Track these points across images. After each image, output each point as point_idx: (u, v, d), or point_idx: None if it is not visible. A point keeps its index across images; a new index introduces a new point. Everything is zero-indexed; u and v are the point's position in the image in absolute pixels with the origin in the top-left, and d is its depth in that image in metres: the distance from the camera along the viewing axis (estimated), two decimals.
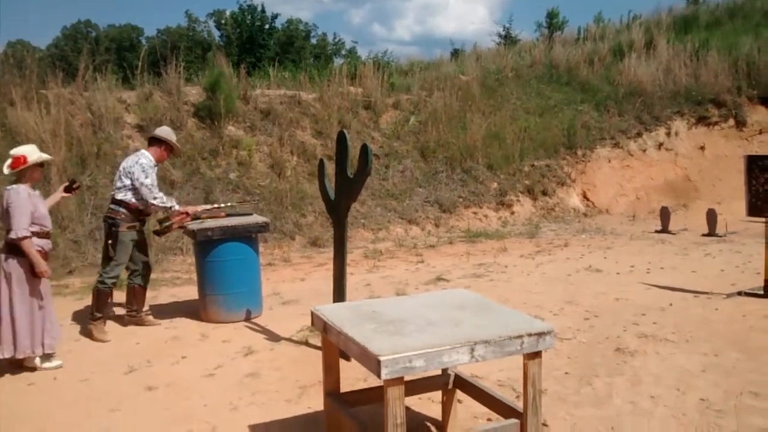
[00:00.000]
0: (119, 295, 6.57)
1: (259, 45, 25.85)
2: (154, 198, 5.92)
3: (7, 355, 4.92)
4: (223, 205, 7.19)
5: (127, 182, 5.92)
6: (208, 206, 6.83)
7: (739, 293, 6.65)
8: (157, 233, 6.43)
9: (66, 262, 8.57)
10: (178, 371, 5.03)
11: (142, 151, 6.17)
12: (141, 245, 6.17)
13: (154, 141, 6.21)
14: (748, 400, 4.13)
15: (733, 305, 6.31)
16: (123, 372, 5.02)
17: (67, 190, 5.54)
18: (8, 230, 4.90)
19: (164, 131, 6.27)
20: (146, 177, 5.89)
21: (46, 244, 5.11)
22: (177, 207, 6.15)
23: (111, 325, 6.21)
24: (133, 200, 5.93)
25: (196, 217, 6.35)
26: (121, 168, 6.04)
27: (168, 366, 5.15)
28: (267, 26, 26.74)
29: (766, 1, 19.58)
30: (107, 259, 5.99)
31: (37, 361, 5.08)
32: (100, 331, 5.91)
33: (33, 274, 4.92)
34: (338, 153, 5.06)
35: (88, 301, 6.98)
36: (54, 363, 5.13)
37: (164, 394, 4.57)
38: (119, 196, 5.96)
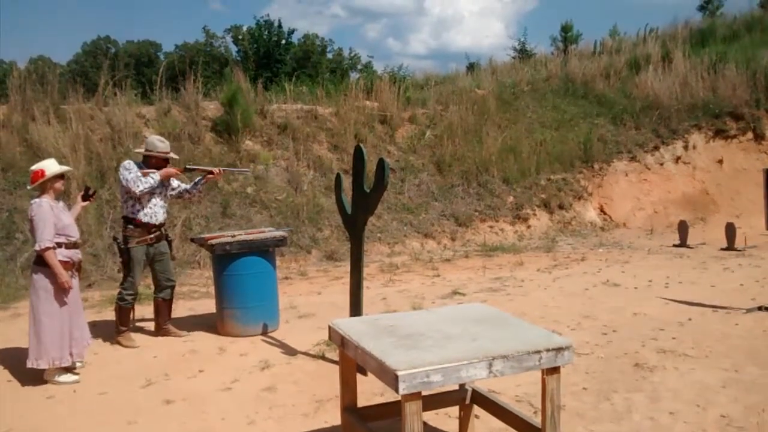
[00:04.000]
0: (140, 309, 6.62)
1: (276, 60, 26.02)
2: (138, 187, 5.84)
3: (43, 365, 5.00)
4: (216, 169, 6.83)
5: (125, 195, 6.00)
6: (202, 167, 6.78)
7: (760, 308, 6.57)
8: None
9: (85, 276, 8.62)
10: (195, 385, 5.05)
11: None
12: (161, 259, 6.22)
13: (144, 158, 6.17)
14: None
15: (753, 320, 6.24)
16: (141, 385, 5.05)
17: (84, 198, 5.63)
18: (33, 243, 5.00)
19: (148, 144, 6.17)
20: (129, 173, 5.86)
21: (74, 254, 5.18)
22: (158, 176, 6.00)
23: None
24: (137, 215, 5.98)
25: (188, 170, 6.49)
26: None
27: (185, 379, 5.17)
28: (284, 41, 26.93)
29: None
30: (124, 275, 6.09)
31: (58, 375, 5.12)
32: (127, 339, 6.10)
33: (59, 285, 4.99)
34: (355, 167, 5.08)
35: (107, 314, 7.07)
36: (71, 378, 5.16)
37: (181, 408, 4.59)
38: (124, 212, 6.08)
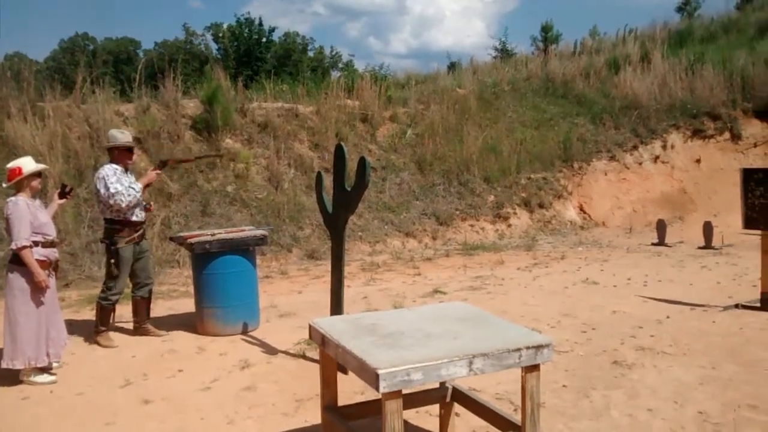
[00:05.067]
0: (118, 308, 6.55)
1: (257, 58, 25.93)
2: (126, 203, 5.82)
3: (19, 365, 4.94)
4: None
5: (103, 200, 5.93)
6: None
7: (736, 306, 6.65)
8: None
9: (62, 275, 8.50)
10: (174, 384, 5.00)
11: (103, 166, 6.13)
12: (142, 257, 6.17)
13: (108, 152, 6.16)
14: (746, 412, 4.13)
15: (730, 318, 6.31)
16: (119, 385, 5.00)
17: (61, 196, 5.55)
18: (10, 241, 4.93)
19: (109, 137, 6.15)
20: (106, 189, 5.79)
21: (51, 253, 5.11)
22: (140, 186, 6.00)
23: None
24: (119, 215, 5.92)
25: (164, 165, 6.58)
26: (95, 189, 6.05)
27: (164, 379, 5.12)
28: (264, 39, 26.86)
29: (760, 15, 19.79)
30: (110, 276, 6.00)
31: (35, 375, 5.05)
32: (106, 339, 6.04)
33: (36, 284, 4.92)
34: (336, 166, 5.07)
35: (84, 313, 7.00)
36: (48, 378, 5.09)
37: (160, 408, 4.55)
38: (105, 215, 6.00)
